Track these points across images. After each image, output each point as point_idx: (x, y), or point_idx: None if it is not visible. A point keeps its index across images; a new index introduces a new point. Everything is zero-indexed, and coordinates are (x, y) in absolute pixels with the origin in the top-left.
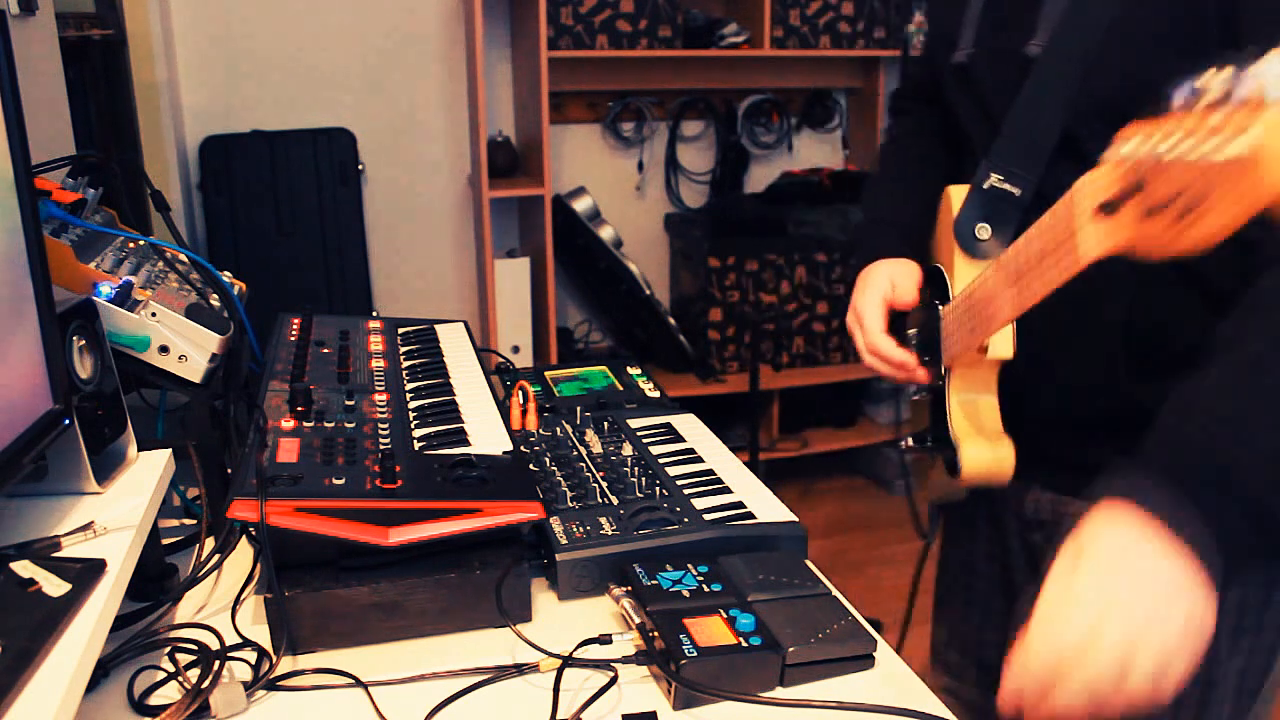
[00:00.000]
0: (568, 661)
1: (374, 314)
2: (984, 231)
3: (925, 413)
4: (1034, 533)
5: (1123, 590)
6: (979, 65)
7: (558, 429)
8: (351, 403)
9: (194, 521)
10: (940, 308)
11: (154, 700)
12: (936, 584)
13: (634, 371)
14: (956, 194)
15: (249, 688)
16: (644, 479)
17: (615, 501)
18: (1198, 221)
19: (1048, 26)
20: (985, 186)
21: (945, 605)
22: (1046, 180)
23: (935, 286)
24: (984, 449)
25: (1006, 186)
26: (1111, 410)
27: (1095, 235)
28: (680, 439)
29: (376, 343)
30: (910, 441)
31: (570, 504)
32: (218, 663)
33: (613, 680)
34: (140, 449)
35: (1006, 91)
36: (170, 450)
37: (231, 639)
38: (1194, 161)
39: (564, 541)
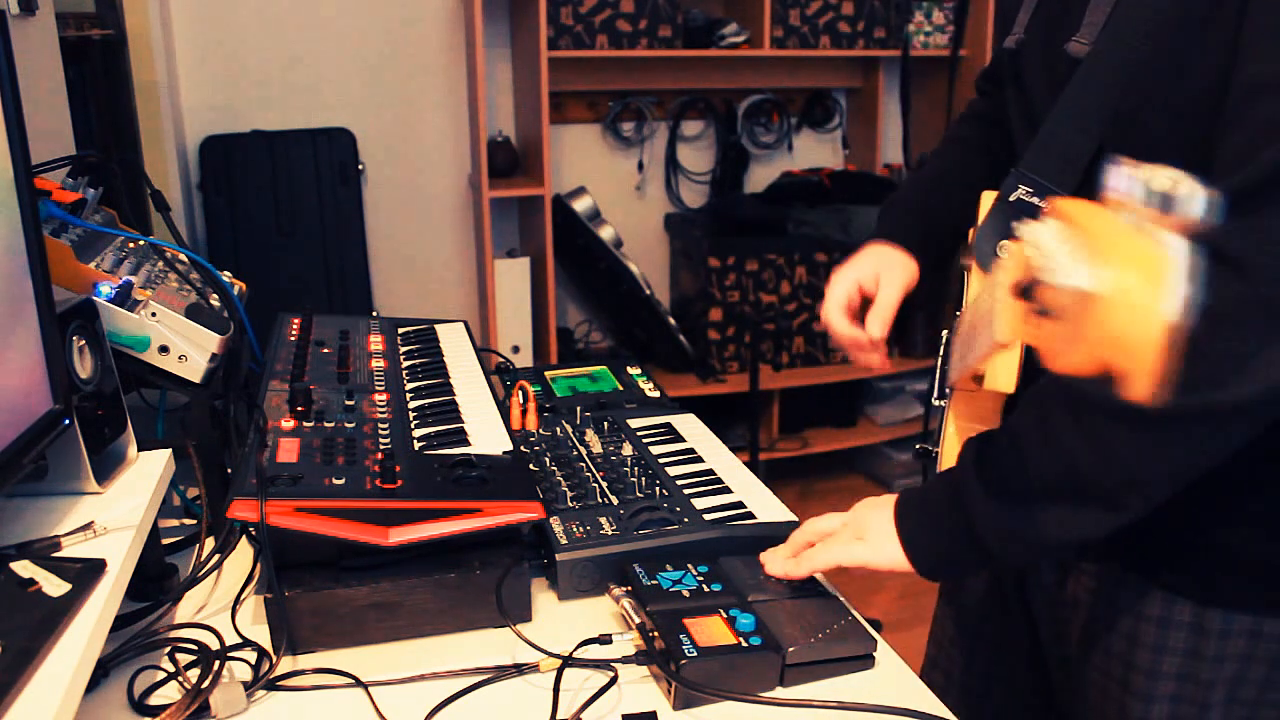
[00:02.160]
0: (568, 661)
1: (374, 314)
2: (1005, 249)
3: (943, 420)
4: (1029, 572)
5: (863, 525)
6: (1026, 56)
7: (558, 429)
8: (351, 403)
9: (194, 521)
10: (956, 315)
11: (154, 700)
12: (936, 606)
13: (634, 371)
14: (989, 200)
15: (249, 688)
16: (644, 479)
17: (615, 501)
18: (1068, 346)
19: (1094, 22)
20: (1012, 199)
21: (937, 624)
22: (1081, 197)
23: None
24: None
25: (1034, 201)
26: None
27: (1010, 318)
28: (680, 439)
29: (376, 342)
30: (920, 445)
31: (570, 504)
32: (218, 663)
33: (613, 680)
34: (140, 449)
35: (1049, 90)
36: (170, 450)
37: (231, 639)
38: (1060, 279)
39: (564, 541)
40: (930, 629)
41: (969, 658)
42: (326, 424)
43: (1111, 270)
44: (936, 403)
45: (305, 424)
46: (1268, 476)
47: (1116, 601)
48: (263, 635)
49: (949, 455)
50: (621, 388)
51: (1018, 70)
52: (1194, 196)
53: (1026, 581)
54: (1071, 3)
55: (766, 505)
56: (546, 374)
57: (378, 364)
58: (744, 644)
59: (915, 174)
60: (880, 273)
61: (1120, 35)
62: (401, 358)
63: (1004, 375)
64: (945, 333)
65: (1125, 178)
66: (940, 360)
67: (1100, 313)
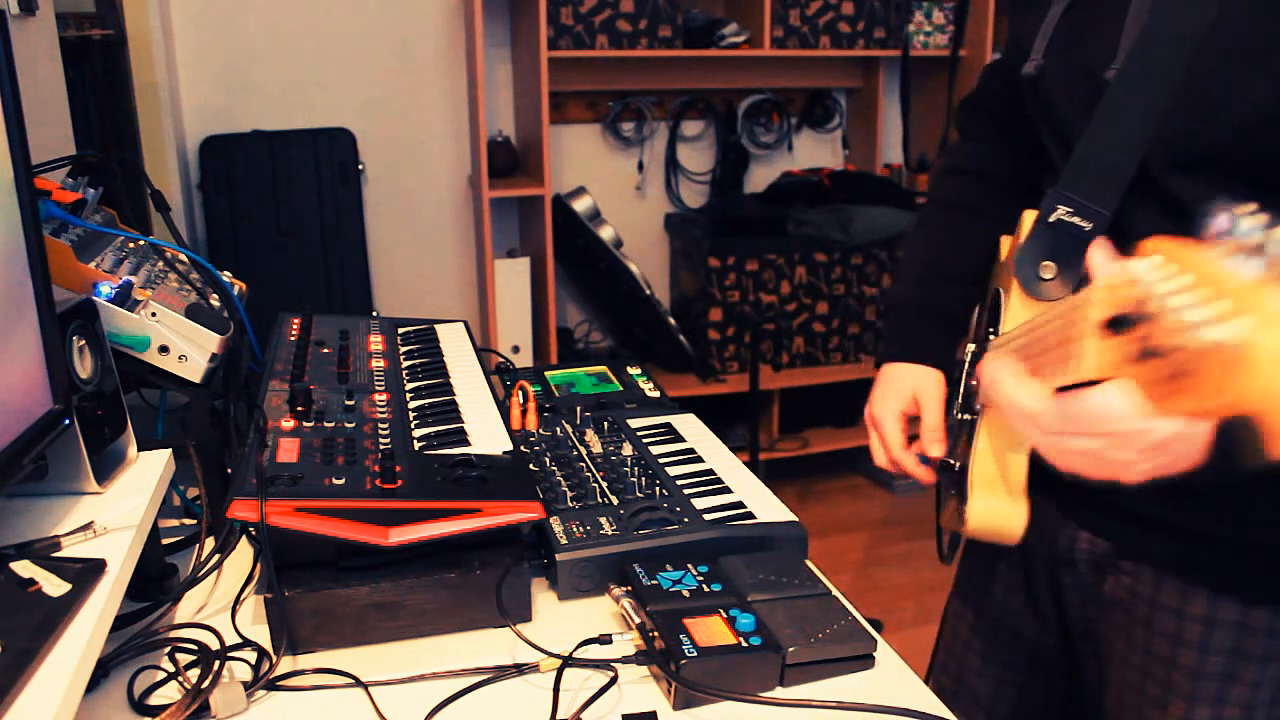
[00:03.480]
0: (568, 661)
1: (374, 314)
2: (1048, 270)
3: (964, 437)
4: (1064, 569)
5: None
6: (1050, 80)
7: (558, 429)
8: (351, 403)
9: (194, 521)
10: (991, 339)
11: (154, 700)
12: (947, 604)
13: (634, 371)
14: (1029, 219)
15: (249, 688)
16: (644, 479)
17: (615, 501)
18: (1181, 393)
19: (1126, 47)
20: (1051, 220)
21: (949, 625)
22: (1124, 215)
23: (996, 313)
24: (996, 505)
25: (1076, 220)
26: None
27: (1096, 353)
28: (680, 439)
29: (376, 342)
30: (942, 457)
31: (570, 504)
32: (218, 663)
33: (613, 680)
34: (140, 449)
35: (1078, 111)
36: (170, 450)
37: (231, 639)
38: (1185, 326)
39: (564, 541)
40: (939, 632)
41: (985, 661)
42: (326, 424)
43: (1258, 322)
44: (961, 417)
45: (305, 424)
46: None
47: (1159, 601)
48: (263, 635)
49: (980, 471)
50: (621, 388)
51: (1042, 94)
52: None
53: (1062, 582)
54: (1098, 26)
55: (766, 505)
56: (546, 374)
57: (378, 364)
58: (744, 644)
59: (914, 261)
60: (917, 394)
61: (1154, 56)
62: (401, 358)
63: None
64: (971, 348)
65: (1228, 218)
66: (964, 376)
67: (1245, 366)
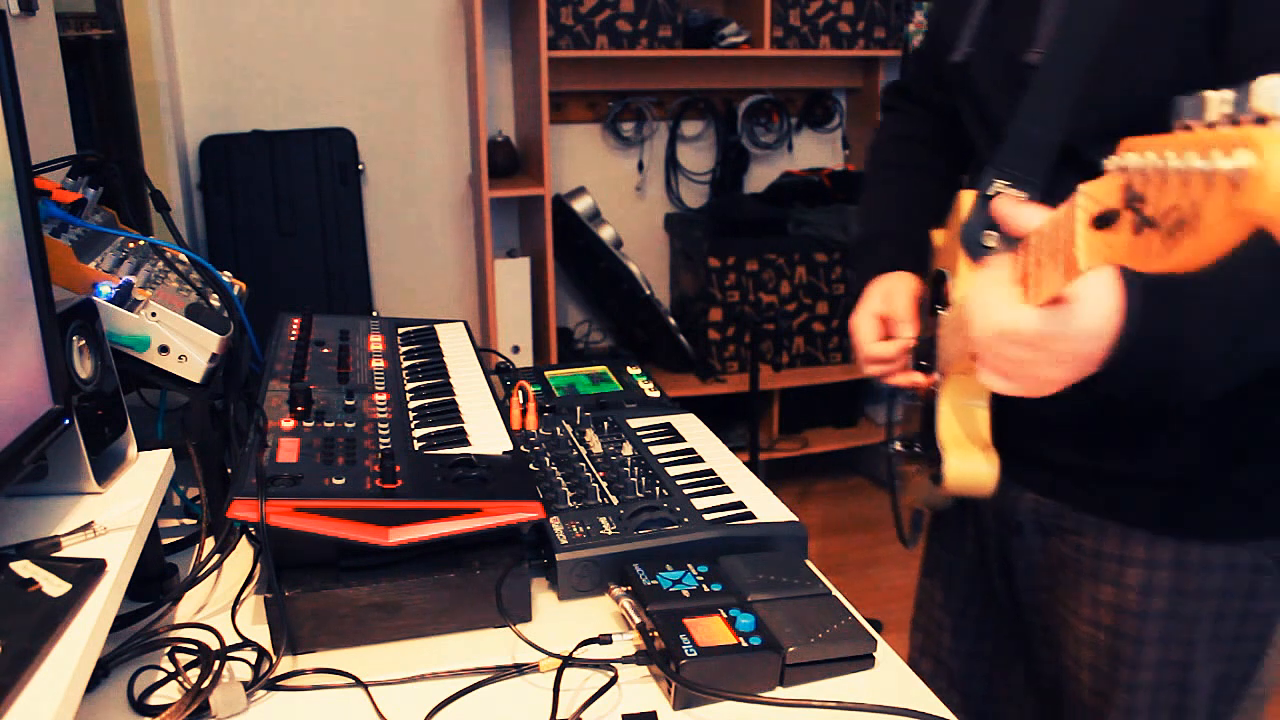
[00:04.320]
0: (568, 661)
1: (374, 314)
2: (991, 239)
3: (917, 417)
4: (1014, 537)
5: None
6: (977, 67)
7: (558, 429)
8: (351, 403)
9: (194, 521)
10: (940, 313)
11: (154, 700)
12: (918, 589)
13: (634, 371)
14: (967, 199)
15: (249, 688)
16: (644, 479)
17: (615, 501)
18: (1188, 238)
19: (1046, 34)
20: (990, 193)
21: (922, 611)
22: (1053, 186)
23: (941, 291)
24: (969, 459)
25: (1012, 193)
26: (1104, 414)
27: (1092, 247)
28: (680, 439)
29: (376, 342)
30: (899, 445)
31: (570, 504)
32: (218, 663)
33: (613, 680)
34: (140, 449)
35: (1005, 96)
36: (170, 450)
37: (231, 639)
38: (1192, 172)
39: (564, 541)
40: (913, 616)
41: (957, 637)
42: (326, 424)
43: (1263, 141)
44: (915, 404)
45: (305, 424)
46: (1233, 408)
47: (1102, 551)
48: (263, 635)
49: (948, 433)
50: (621, 388)
51: (969, 81)
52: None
53: (1012, 550)
54: (1020, 15)
55: (766, 505)
56: (546, 374)
57: (378, 364)
58: (744, 644)
59: (872, 207)
60: (890, 293)
61: (1072, 41)
62: (401, 358)
63: None
64: (918, 336)
65: (1195, 102)
66: (914, 358)
67: (1253, 181)
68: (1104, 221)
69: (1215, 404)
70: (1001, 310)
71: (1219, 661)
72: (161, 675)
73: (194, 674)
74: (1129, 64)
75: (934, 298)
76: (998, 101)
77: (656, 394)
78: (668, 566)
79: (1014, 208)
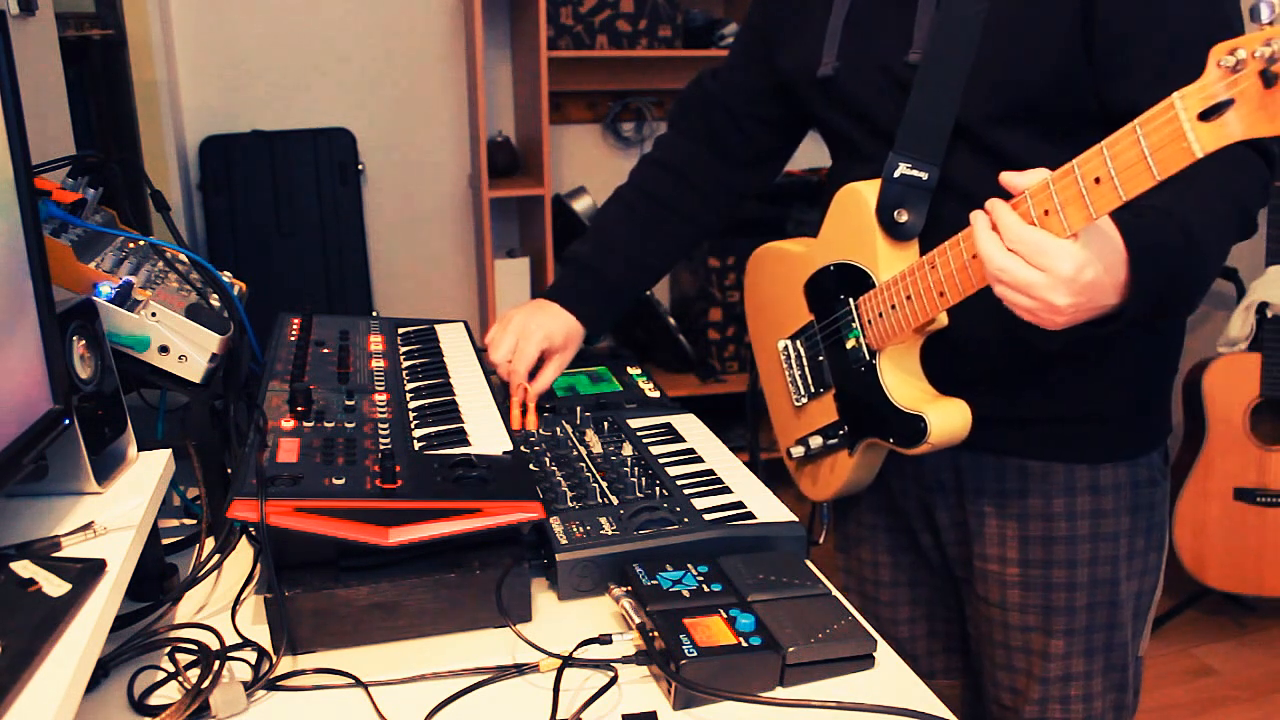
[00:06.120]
0: (568, 661)
1: (374, 314)
2: (902, 216)
3: (817, 413)
4: (935, 495)
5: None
6: (848, 76)
7: (558, 429)
8: (351, 403)
9: (194, 521)
10: (853, 301)
11: (154, 700)
12: (842, 567)
13: (634, 371)
14: (867, 189)
15: (249, 688)
16: (644, 479)
17: (615, 501)
18: None
19: (922, 36)
20: (896, 175)
21: (852, 575)
22: (949, 164)
23: (845, 282)
24: (947, 410)
25: (915, 173)
26: (1017, 366)
27: (1206, 134)
28: (680, 439)
29: (376, 343)
30: (802, 449)
31: (570, 504)
32: (218, 663)
33: (613, 680)
34: (140, 449)
35: (886, 96)
36: (170, 450)
37: (231, 639)
38: None
39: (564, 541)
40: (843, 585)
41: (894, 599)
42: (326, 424)
43: None
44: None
45: (305, 424)
46: (1117, 345)
47: (1027, 489)
48: (263, 635)
49: (911, 400)
50: (621, 388)
51: (839, 90)
52: None
53: (934, 507)
54: (891, 23)
55: (766, 505)
56: None
57: (378, 364)
58: (744, 644)
59: (602, 230)
60: (546, 330)
61: (950, 39)
62: (401, 358)
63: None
64: (784, 343)
65: (1268, 7)
66: (806, 360)
67: None
68: (1210, 113)
69: (1105, 343)
70: (1062, 244)
71: (1135, 577)
72: (161, 675)
73: (194, 674)
74: (1009, 53)
75: (842, 290)
76: (877, 103)
77: (656, 394)
78: (668, 566)
79: (1015, 175)
